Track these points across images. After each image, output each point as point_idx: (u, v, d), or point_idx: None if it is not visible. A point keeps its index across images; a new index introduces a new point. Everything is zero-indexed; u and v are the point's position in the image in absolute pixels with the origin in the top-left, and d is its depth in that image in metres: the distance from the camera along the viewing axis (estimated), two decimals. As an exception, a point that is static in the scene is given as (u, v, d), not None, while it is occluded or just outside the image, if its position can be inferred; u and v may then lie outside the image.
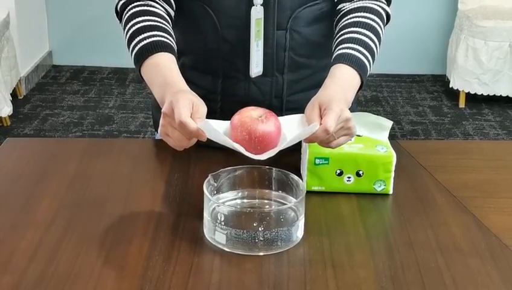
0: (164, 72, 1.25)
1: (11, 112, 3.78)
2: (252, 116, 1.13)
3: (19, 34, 4.15)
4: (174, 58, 1.28)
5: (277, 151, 1.13)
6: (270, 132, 1.13)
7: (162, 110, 1.15)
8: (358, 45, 1.30)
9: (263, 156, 1.12)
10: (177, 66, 1.27)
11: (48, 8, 4.67)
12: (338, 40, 1.33)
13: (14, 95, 4.03)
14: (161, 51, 1.27)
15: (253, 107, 1.16)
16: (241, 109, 1.16)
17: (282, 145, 1.13)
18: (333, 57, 1.30)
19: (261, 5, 1.32)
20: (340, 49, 1.30)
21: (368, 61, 1.30)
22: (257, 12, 1.32)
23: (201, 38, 1.40)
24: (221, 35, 1.37)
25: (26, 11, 4.31)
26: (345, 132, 1.17)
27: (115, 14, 1.38)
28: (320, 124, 1.13)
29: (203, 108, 1.14)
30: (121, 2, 1.36)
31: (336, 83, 1.25)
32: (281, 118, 1.17)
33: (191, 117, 1.11)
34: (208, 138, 1.13)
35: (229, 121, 1.16)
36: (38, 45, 4.61)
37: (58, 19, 4.69)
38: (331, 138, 1.16)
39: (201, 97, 1.17)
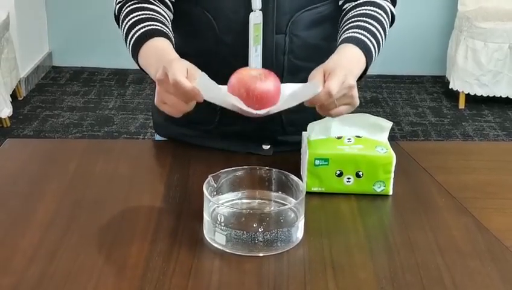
0: (159, 52, 1.25)
1: (11, 113, 3.79)
2: (250, 74, 1.12)
3: (18, 35, 4.16)
4: (170, 43, 1.28)
5: (278, 110, 1.13)
6: (268, 90, 1.12)
7: (156, 77, 1.15)
8: (365, 31, 1.30)
9: (262, 112, 1.11)
10: (173, 48, 1.27)
11: (48, 10, 4.67)
12: (344, 29, 1.33)
13: (14, 96, 4.03)
14: (156, 37, 1.27)
15: (250, 67, 1.15)
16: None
17: (283, 102, 1.13)
18: (339, 41, 1.31)
19: (260, 9, 1.32)
20: (346, 34, 1.31)
21: (374, 47, 1.30)
22: (256, 18, 1.32)
23: (200, 42, 1.40)
24: (220, 39, 1.36)
25: (26, 12, 4.31)
26: (347, 100, 1.17)
27: (114, 20, 1.39)
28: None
29: (197, 72, 1.14)
30: (117, 6, 1.37)
31: (342, 56, 1.25)
32: (283, 85, 1.17)
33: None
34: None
35: (225, 86, 1.15)
36: (38, 46, 4.61)
37: (58, 20, 4.69)
38: (332, 105, 1.16)
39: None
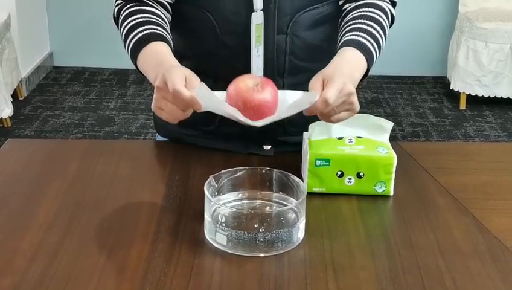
0: (158, 56, 1.25)
1: (12, 113, 3.78)
2: (247, 84, 1.12)
3: (19, 35, 4.16)
4: (168, 47, 1.28)
5: (275, 119, 1.13)
6: (266, 101, 1.12)
7: (155, 85, 1.15)
8: (365, 33, 1.30)
9: (259, 123, 1.12)
10: (171, 53, 1.27)
11: (49, 10, 4.67)
12: (344, 31, 1.33)
13: (14, 96, 4.03)
14: (154, 41, 1.27)
15: (248, 74, 1.15)
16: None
17: (281, 112, 1.13)
18: (339, 44, 1.30)
19: (261, 10, 1.32)
20: (346, 36, 1.31)
21: (374, 49, 1.30)
22: (257, 18, 1.32)
23: (201, 43, 1.39)
24: (221, 41, 1.36)
25: (27, 12, 4.31)
26: (347, 106, 1.17)
27: (114, 22, 1.39)
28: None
29: (196, 80, 1.14)
30: (116, 8, 1.37)
31: (343, 60, 1.25)
32: (281, 92, 1.17)
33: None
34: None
35: (224, 92, 1.15)
36: (39, 46, 4.61)
37: (58, 20, 4.69)
38: (332, 112, 1.16)
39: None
